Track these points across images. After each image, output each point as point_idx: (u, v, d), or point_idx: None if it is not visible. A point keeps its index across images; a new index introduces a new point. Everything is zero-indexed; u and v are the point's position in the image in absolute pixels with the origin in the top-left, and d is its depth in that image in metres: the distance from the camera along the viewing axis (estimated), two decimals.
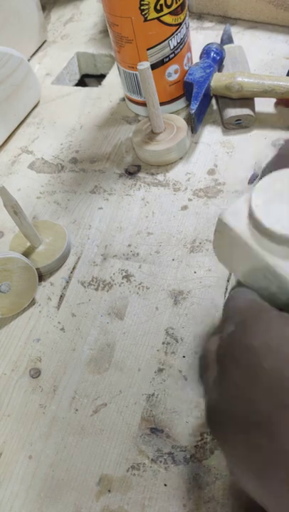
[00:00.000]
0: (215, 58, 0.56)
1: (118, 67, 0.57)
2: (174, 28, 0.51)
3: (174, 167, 0.53)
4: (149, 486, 0.33)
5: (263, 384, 0.21)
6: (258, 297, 0.27)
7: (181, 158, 0.53)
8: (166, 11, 0.49)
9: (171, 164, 0.53)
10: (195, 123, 0.53)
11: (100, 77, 0.72)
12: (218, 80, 0.53)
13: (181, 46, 0.53)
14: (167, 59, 0.53)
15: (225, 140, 0.54)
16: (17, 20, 0.66)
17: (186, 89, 0.55)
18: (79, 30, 0.75)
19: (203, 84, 0.53)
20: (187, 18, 0.53)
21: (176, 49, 0.52)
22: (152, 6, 0.48)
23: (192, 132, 0.54)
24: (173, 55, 0.53)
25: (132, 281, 0.44)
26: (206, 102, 0.55)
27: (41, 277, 0.46)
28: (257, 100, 0.55)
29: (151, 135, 0.53)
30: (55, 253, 0.46)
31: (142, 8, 0.48)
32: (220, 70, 0.58)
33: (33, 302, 0.44)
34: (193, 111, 0.51)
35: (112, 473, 0.34)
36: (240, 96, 0.53)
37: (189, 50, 0.56)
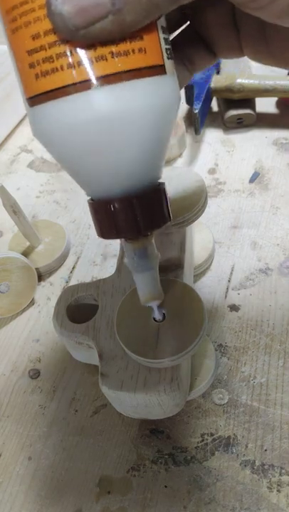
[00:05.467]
0: None
1: None
2: None
3: (174, 166, 0.52)
4: (149, 487, 0.33)
5: None
6: None
7: (181, 157, 0.53)
8: None
9: (172, 163, 0.53)
10: (198, 123, 0.52)
11: None
12: (218, 82, 0.53)
13: None
14: None
15: (226, 139, 0.54)
16: None
17: (186, 92, 0.55)
18: None
19: (204, 86, 0.53)
20: None
21: None
22: None
23: (195, 133, 0.53)
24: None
25: None
26: (207, 104, 0.55)
27: (41, 277, 0.45)
28: (258, 99, 0.55)
29: None
30: (55, 253, 0.46)
31: None
32: (218, 72, 0.57)
33: (32, 302, 0.44)
34: (196, 110, 0.51)
35: (112, 474, 0.33)
36: (242, 97, 0.53)
37: None
